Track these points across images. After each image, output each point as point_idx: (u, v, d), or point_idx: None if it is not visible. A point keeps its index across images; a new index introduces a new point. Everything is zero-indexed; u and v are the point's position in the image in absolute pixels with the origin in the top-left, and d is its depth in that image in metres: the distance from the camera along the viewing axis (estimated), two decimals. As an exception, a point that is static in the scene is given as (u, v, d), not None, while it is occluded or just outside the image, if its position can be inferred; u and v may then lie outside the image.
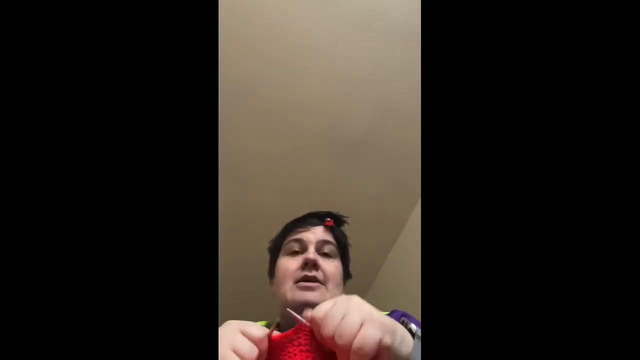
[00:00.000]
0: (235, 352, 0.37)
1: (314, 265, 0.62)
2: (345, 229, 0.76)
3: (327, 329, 0.36)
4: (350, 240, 0.75)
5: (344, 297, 0.40)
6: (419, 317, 0.51)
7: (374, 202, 1.60)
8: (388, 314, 0.62)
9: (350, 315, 0.37)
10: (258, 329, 0.39)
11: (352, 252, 0.75)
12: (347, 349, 0.35)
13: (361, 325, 0.36)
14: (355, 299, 0.40)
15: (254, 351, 0.38)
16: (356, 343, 0.35)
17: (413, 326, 0.42)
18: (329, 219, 0.71)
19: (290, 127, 1.41)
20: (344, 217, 0.75)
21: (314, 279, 0.61)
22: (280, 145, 1.45)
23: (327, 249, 0.67)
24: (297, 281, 0.62)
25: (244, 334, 0.39)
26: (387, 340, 0.36)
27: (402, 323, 0.42)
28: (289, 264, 0.64)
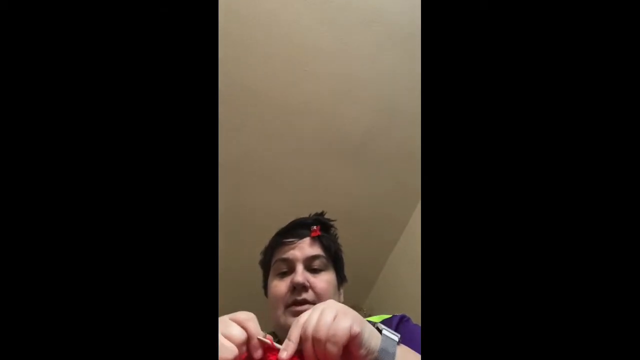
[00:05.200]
0: (225, 335, 0.39)
1: (303, 287, 0.62)
2: (346, 230, 0.75)
3: (308, 330, 0.40)
4: (352, 242, 0.74)
5: (319, 304, 0.44)
6: (419, 318, 0.51)
7: (375, 203, 1.60)
8: (389, 318, 0.62)
9: (324, 313, 0.41)
10: (245, 314, 0.42)
11: (354, 254, 0.74)
12: (324, 339, 0.38)
13: (334, 319, 0.40)
14: (330, 301, 0.45)
15: (242, 333, 0.40)
16: (330, 331, 0.39)
17: (379, 324, 0.45)
18: (314, 227, 0.69)
19: (290, 127, 1.41)
20: (331, 220, 0.73)
21: (304, 302, 0.62)
22: (280, 146, 1.45)
23: (316, 264, 0.66)
24: (288, 305, 0.62)
25: (232, 320, 0.41)
26: (357, 328, 0.39)
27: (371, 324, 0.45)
28: (279, 288, 0.64)
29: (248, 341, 0.41)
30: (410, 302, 1.44)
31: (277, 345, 0.43)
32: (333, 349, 0.38)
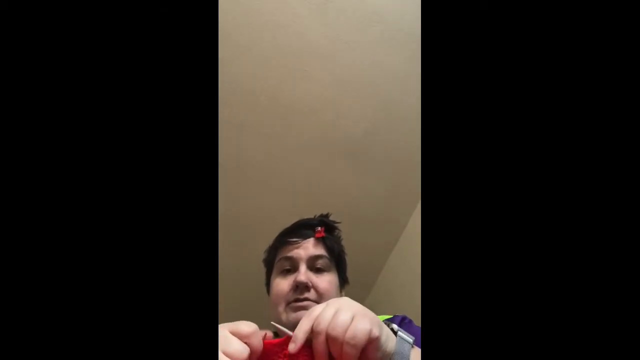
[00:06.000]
0: (226, 354, 0.36)
1: (306, 287, 0.63)
2: (346, 231, 0.75)
3: (321, 325, 0.39)
4: (351, 242, 0.74)
5: (334, 299, 0.43)
6: (419, 319, 0.51)
7: (374, 204, 1.60)
8: (390, 319, 0.63)
9: (341, 311, 0.40)
10: (247, 326, 0.40)
11: (353, 254, 0.74)
12: (340, 339, 0.38)
13: (352, 319, 0.39)
14: (345, 299, 0.43)
15: (245, 349, 0.38)
16: (349, 333, 0.38)
17: (394, 326, 0.45)
18: (319, 228, 0.69)
19: (290, 128, 1.41)
20: (336, 222, 0.74)
21: (306, 300, 0.62)
22: (280, 146, 1.45)
23: (319, 264, 0.66)
24: (289, 303, 0.62)
25: (233, 334, 0.39)
26: (376, 331, 0.39)
27: (386, 324, 0.45)
28: (281, 286, 0.65)
29: (251, 355, 0.38)
30: (410, 303, 1.44)
31: (286, 331, 0.42)
32: (352, 351, 0.37)
